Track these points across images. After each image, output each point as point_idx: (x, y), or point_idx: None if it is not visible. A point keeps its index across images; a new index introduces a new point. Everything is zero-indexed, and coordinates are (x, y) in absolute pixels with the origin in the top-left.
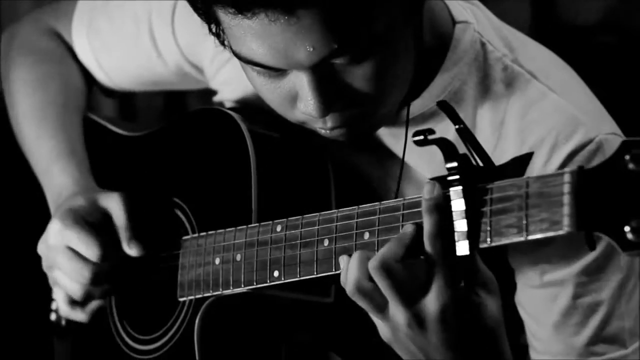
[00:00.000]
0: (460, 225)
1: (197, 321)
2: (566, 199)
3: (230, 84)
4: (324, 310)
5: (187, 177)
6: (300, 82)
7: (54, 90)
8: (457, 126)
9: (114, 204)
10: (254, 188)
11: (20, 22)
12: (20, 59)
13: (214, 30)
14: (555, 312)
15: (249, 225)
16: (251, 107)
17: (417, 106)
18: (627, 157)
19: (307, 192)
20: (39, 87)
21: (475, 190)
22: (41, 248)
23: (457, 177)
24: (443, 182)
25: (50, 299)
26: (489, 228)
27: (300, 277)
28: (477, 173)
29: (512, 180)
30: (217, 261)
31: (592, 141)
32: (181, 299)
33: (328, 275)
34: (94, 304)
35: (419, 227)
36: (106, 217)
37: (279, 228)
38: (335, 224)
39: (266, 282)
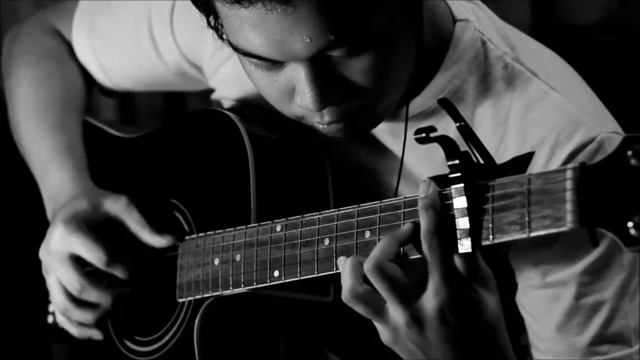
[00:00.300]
0: (463, 222)
1: (196, 322)
2: (569, 195)
3: (228, 82)
4: (323, 309)
5: (184, 178)
6: (298, 74)
7: (55, 89)
8: (458, 124)
9: (122, 208)
10: (253, 188)
11: (24, 23)
12: (22, 58)
13: (212, 23)
14: (557, 313)
15: (248, 225)
16: (249, 106)
17: (417, 104)
18: (629, 153)
19: (305, 191)
20: (40, 86)
21: (477, 188)
22: (42, 253)
23: (458, 174)
24: (444, 180)
25: (47, 301)
26: (491, 225)
27: (300, 276)
28: (478, 171)
29: (514, 177)
30: (217, 262)
31: (593, 140)
32: (180, 300)
33: (329, 274)
34: (89, 331)
35: (417, 226)
36: (109, 221)
37: (278, 228)
38: (335, 222)
39: (266, 282)
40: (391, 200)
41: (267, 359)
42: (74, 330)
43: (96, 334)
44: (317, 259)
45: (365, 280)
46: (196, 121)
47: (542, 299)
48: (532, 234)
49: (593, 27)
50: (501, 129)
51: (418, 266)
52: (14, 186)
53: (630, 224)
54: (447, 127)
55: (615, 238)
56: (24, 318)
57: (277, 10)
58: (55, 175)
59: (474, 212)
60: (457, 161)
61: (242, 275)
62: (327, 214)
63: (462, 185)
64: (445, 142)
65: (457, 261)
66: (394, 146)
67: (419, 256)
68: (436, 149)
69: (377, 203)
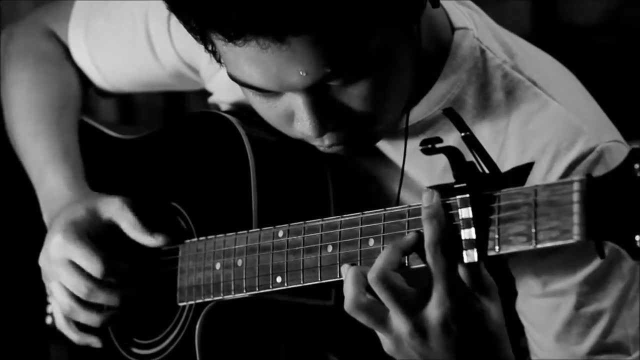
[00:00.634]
0: (468, 233)
1: (197, 326)
2: (576, 207)
3: (226, 86)
4: (324, 313)
5: (184, 181)
6: (296, 102)
7: (51, 92)
8: (463, 133)
9: (116, 210)
10: (254, 192)
11: (18, 23)
12: (19, 59)
13: (210, 49)
14: (557, 322)
15: (250, 230)
16: (248, 109)
17: (416, 114)
18: (637, 165)
19: (305, 194)
20: (37, 88)
21: (483, 198)
22: (42, 260)
23: (464, 184)
24: (448, 190)
25: (46, 302)
26: (497, 236)
27: (304, 283)
28: (484, 181)
29: (520, 188)
30: (218, 266)
31: (593, 150)
32: (181, 304)
33: (332, 282)
34: (89, 338)
35: (421, 235)
36: (108, 225)
37: (280, 233)
38: (339, 230)
39: (269, 288)
40: (395, 209)
41: None
42: (73, 336)
43: (95, 342)
44: (320, 266)
45: (368, 289)
46: (195, 124)
47: (542, 308)
48: (539, 246)
49: (593, 27)
50: (500, 139)
51: (421, 276)
52: (12, 187)
53: (637, 237)
54: (446, 137)
55: (623, 251)
56: (23, 319)
57: (272, 48)
58: (51, 180)
59: (480, 222)
60: (462, 172)
61: (244, 281)
62: (330, 221)
63: (467, 195)
64: (451, 153)
65: (461, 271)
66: (394, 154)
67: (422, 265)
68: (436, 159)
69: (381, 211)
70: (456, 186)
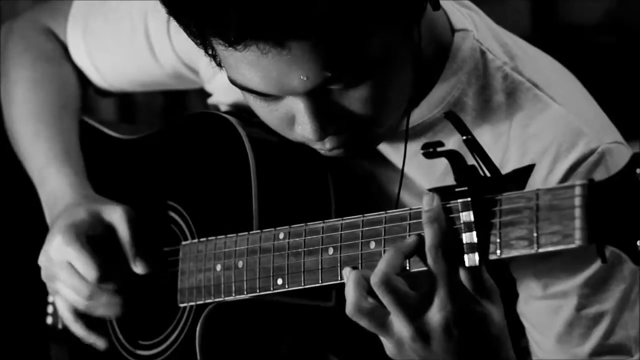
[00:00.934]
0: (469, 237)
1: (198, 327)
2: (577, 212)
3: (226, 88)
4: (325, 314)
5: (184, 182)
6: (297, 106)
7: (52, 91)
8: (464, 137)
9: (117, 219)
10: (255, 193)
11: (17, 19)
12: (19, 57)
13: (210, 52)
14: (558, 324)
15: (250, 232)
16: (248, 110)
17: (416, 116)
18: (639, 170)
19: (306, 195)
20: (37, 87)
21: (484, 202)
22: (42, 260)
23: (465, 188)
24: (449, 192)
25: (46, 302)
26: (498, 240)
27: (304, 285)
28: (485, 184)
29: (522, 192)
30: (219, 267)
31: (594, 152)
32: (181, 305)
33: (333, 284)
34: (93, 337)
35: (423, 238)
36: (109, 229)
37: (281, 235)
38: (340, 232)
39: (270, 290)
40: (397, 212)
41: None
42: (81, 333)
43: (100, 342)
44: (321, 268)
45: (369, 293)
46: (196, 124)
47: (544, 310)
48: (541, 250)
49: (593, 27)
50: (501, 141)
51: (421, 280)
52: (13, 187)
53: (639, 242)
54: (446, 139)
55: (625, 256)
56: (23, 319)
57: (272, 52)
58: (53, 181)
59: (481, 226)
60: (464, 175)
61: (245, 282)
62: (331, 223)
63: (469, 199)
64: (453, 157)
65: (463, 275)
66: (394, 156)
67: (422, 269)
68: (437, 160)
69: (383, 214)
70: (457, 190)
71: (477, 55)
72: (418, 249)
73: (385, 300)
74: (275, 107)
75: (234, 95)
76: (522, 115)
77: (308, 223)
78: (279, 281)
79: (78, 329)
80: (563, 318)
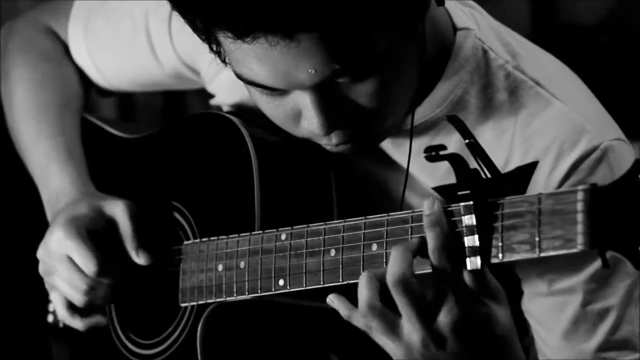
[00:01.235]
0: (471, 240)
1: (199, 327)
2: (580, 217)
3: (227, 89)
4: (326, 315)
5: (187, 182)
6: (304, 100)
7: (53, 91)
8: (467, 140)
9: (119, 212)
10: (257, 193)
11: (18, 19)
12: (20, 57)
13: (214, 49)
14: (564, 320)
15: (252, 233)
16: (250, 111)
17: (419, 114)
18: None
19: (308, 196)
20: (39, 87)
21: (486, 205)
22: (41, 253)
23: (467, 191)
24: (450, 193)
25: (47, 301)
26: (500, 244)
27: (306, 286)
28: (487, 187)
29: (524, 196)
30: (220, 268)
31: (596, 149)
32: (183, 305)
33: (335, 285)
34: (94, 319)
35: (425, 240)
36: (111, 224)
37: (283, 236)
38: (342, 234)
39: (271, 291)
40: (399, 214)
41: None
42: (78, 324)
43: (101, 320)
44: (323, 270)
45: (380, 294)
46: (198, 125)
47: (549, 307)
48: (542, 254)
49: (593, 27)
50: (505, 139)
51: (426, 283)
52: (13, 186)
53: None
54: (449, 138)
55: (627, 261)
56: (24, 317)
57: (281, 45)
58: (55, 179)
59: (483, 229)
60: (466, 179)
61: (247, 283)
62: (333, 225)
63: (471, 202)
64: (456, 160)
65: (467, 277)
66: (397, 155)
67: (425, 272)
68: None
69: (385, 216)
70: (460, 193)
71: (479, 54)
72: (421, 249)
73: (402, 300)
74: (282, 102)
75: (236, 96)
76: (524, 113)
77: (310, 224)
78: (281, 282)
79: (75, 322)
80: (569, 314)
